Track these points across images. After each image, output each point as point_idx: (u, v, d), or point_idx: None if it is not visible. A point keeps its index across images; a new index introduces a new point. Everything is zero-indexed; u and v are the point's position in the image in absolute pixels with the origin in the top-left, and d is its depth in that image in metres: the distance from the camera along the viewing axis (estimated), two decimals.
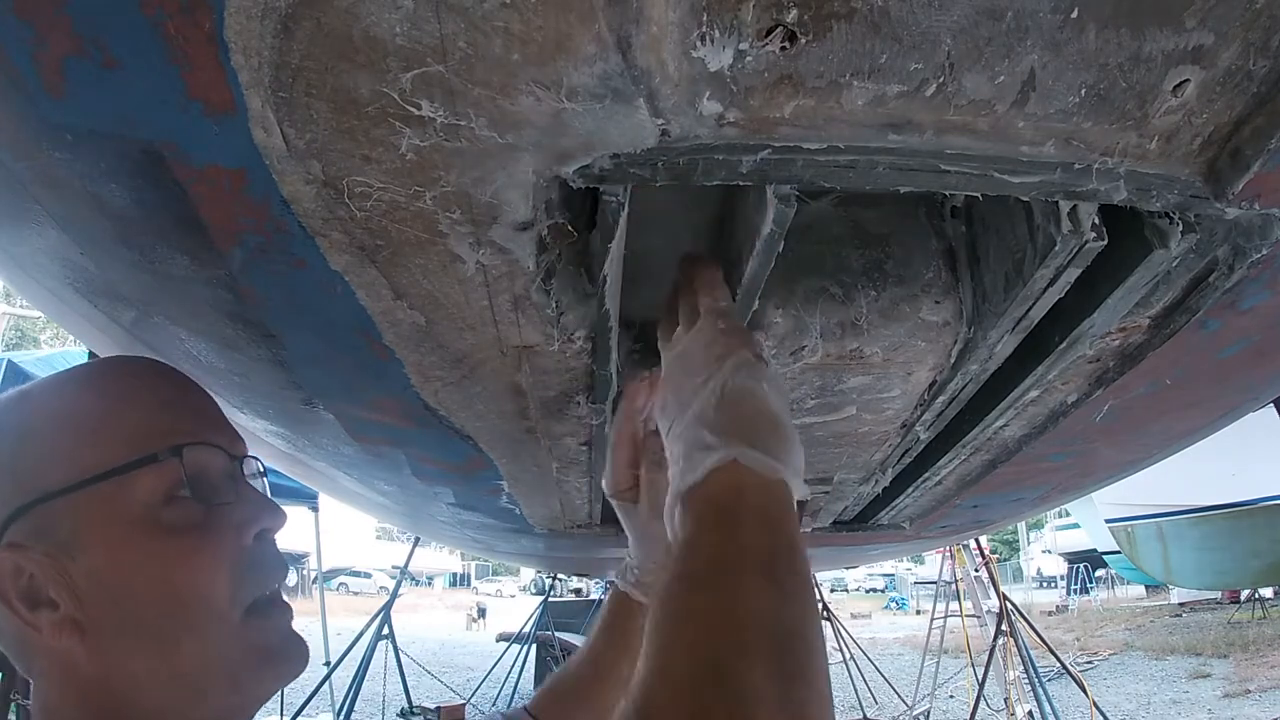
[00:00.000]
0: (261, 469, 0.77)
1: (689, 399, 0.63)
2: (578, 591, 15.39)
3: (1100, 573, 21.01)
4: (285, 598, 0.72)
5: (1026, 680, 7.34)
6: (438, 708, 7.36)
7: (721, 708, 0.43)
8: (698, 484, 0.57)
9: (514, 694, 9.76)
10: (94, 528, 0.62)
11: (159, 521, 0.63)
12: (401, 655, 7.31)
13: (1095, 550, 17.23)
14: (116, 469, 0.63)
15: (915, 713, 8.56)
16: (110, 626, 0.62)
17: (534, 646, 10.65)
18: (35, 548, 0.61)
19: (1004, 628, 7.34)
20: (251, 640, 0.65)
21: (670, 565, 0.55)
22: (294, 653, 0.70)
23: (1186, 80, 0.53)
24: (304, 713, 6.55)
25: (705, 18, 0.47)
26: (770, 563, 0.52)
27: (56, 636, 0.61)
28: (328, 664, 7.17)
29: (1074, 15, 0.48)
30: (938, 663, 9.03)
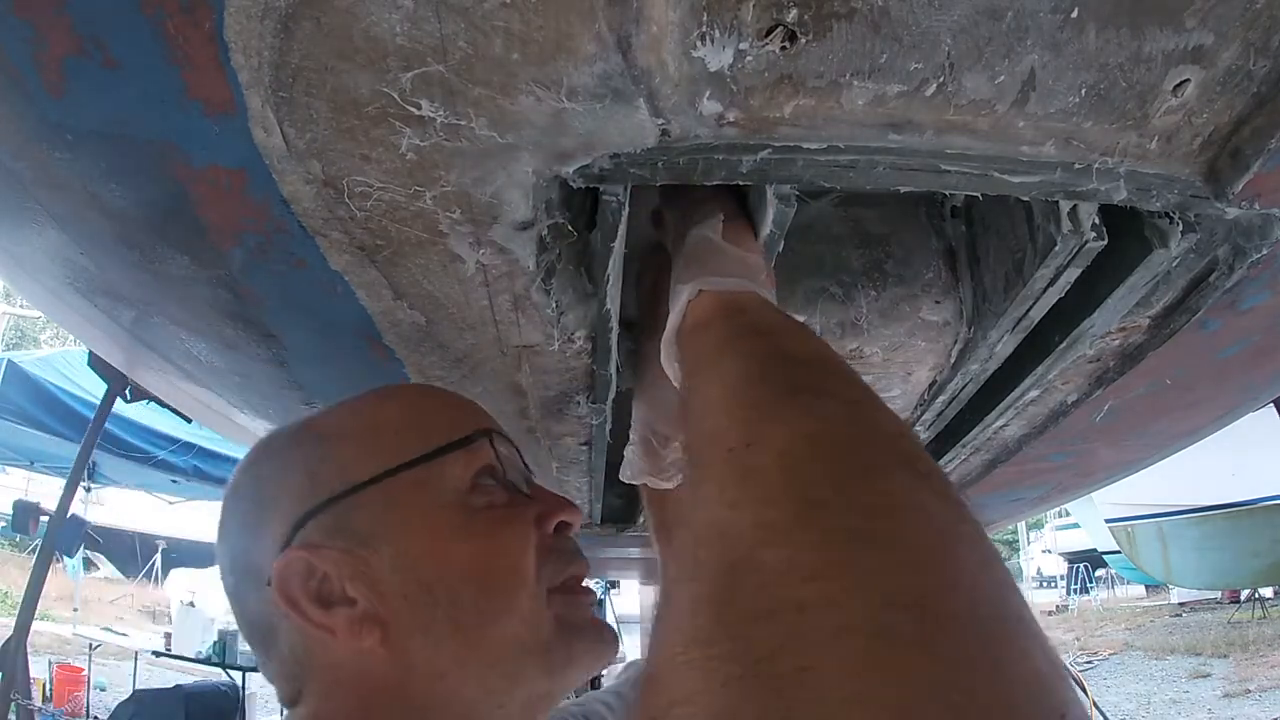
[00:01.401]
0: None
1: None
2: None
3: (1100, 573, 20.99)
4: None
5: None
6: None
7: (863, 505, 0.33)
8: (678, 326, 0.60)
9: None
10: (401, 515, 0.61)
11: (467, 505, 0.63)
12: None
13: (1095, 550, 17.21)
14: (430, 453, 0.63)
15: None
16: (416, 619, 0.59)
17: None
18: (331, 545, 0.59)
19: None
20: (562, 616, 0.63)
21: (688, 410, 0.52)
22: (605, 633, 0.67)
23: (1186, 80, 0.53)
24: None
25: (705, 17, 0.47)
26: (775, 354, 0.48)
27: (354, 636, 0.58)
28: None
29: (1074, 15, 0.48)
30: None
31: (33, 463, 7.17)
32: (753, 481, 0.37)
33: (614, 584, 7.75)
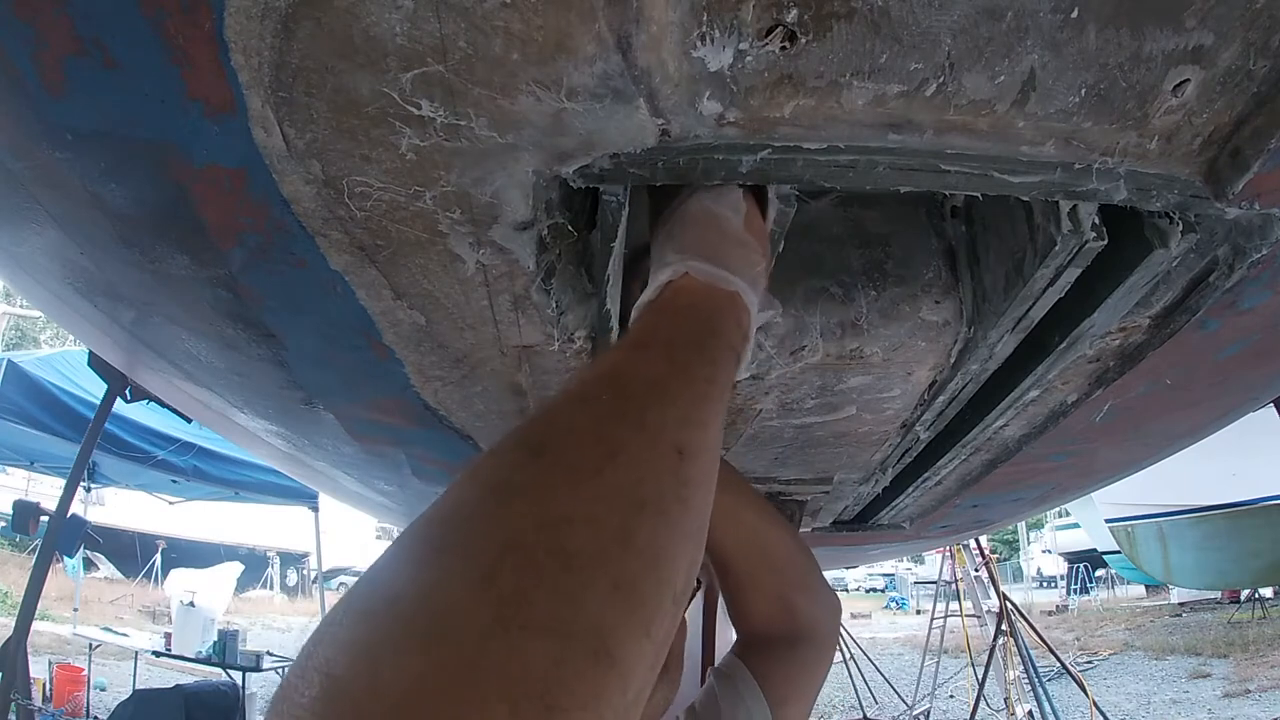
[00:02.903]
0: None
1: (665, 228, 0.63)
2: None
3: (1100, 573, 20.99)
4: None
5: (1026, 680, 7.34)
6: None
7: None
8: (652, 299, 0.57)
9: None
10: None
11: None
12: None
13: (1095, 550, 17.21)
14: None
15: (915, 713, 8.55)
16: None
17: None
18: None
19: (1004, 627, 7.34)
20: None
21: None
22: None
23: (1186, 80, 0.53)
24: None
25: (705, 17, 0.47)
26: (680, 385, 0.47)
27: None
28: None
29: (1074, 15, 0.48)
30: (938, 663, 9.02)
31: (33, 463, 7.17)
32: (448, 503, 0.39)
33: None
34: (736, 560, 1.00)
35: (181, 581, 9.99)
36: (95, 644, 7.91)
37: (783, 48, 0.49)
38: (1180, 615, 15.40)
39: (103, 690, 8.12)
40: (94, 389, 4.87)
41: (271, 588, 21.65)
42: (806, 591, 1.02)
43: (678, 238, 0.60)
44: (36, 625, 4.44)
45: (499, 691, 0.30)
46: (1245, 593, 13.65)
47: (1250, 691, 8.72)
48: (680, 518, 0.41)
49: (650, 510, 0.39)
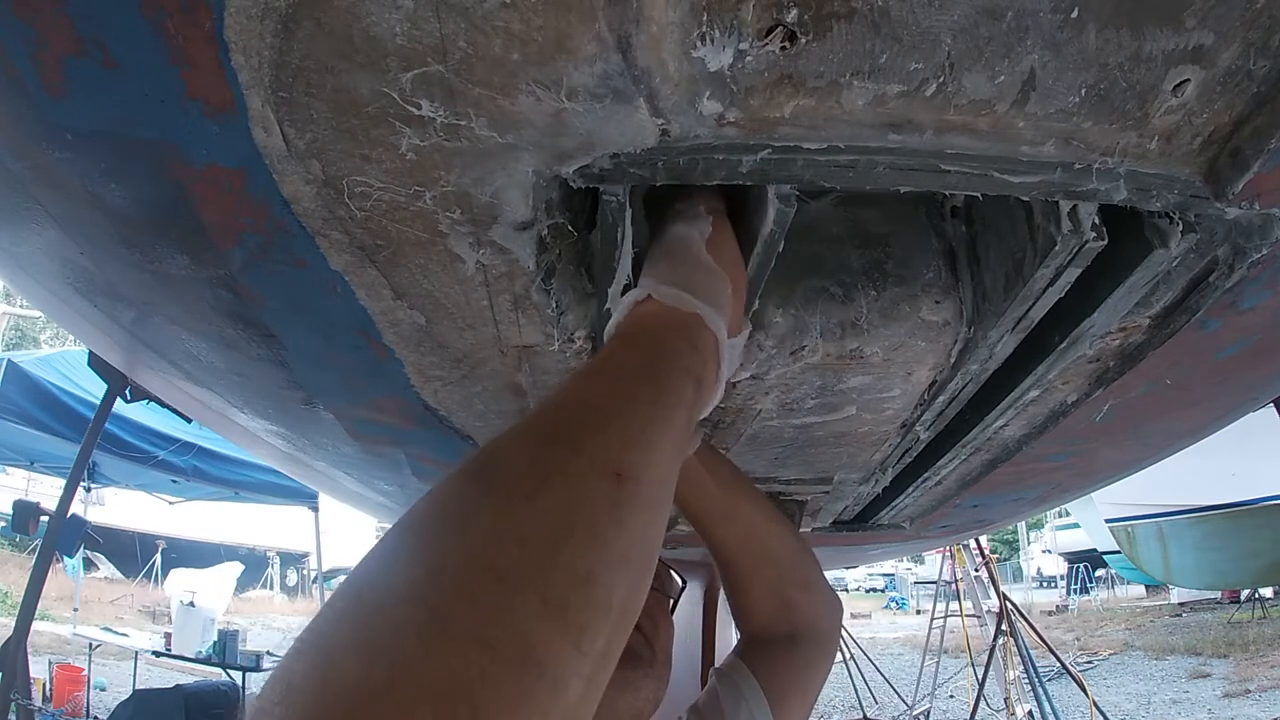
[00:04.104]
0: None
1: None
2: None
3: (1100, 573, 21.00)
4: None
5: (1026, 680, 7.34)
6: None
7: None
8: (618, 322, 0.59)
9: None
10: None
11: None
12: None
13: (1095, 550, 17.22)
14: None
15: (915, 713, 8.55)
16: None
17: None
18: None
19: (1004, 627, 7.34)
20: None
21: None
22: None
23: (1186, 80, 0.53)
24: None
25: (705, 17, 0.47)
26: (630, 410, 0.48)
27: None
28: None
29: (1074, 15, 0.48)
30: (938, 663, 9.02)
31: (33, 463, 7.18)
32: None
33: None
34: (738, 558, 1.01)
35: (181, 581, 10.00)
36: (95, 644, 7.91)
37: (783, 48, 0.49)
38: (1180, 615, 15.41)
39: (103, 690, 8.13)
40: (94, 389, 4.87)
41: (271, 588, 21.65)
42: (808, 590, 1.03)
43: (651, 264, 0.63)
44: (36, 625, 4.44)
45: (428, 695, 0.33)
46: (1245, 593, 13.65)
47: (1250, 691, 8.72)
48: (615, 539, 0.42)
49: (581, 531, 0.41)
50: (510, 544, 0.39)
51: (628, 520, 0.43)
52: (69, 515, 4.13)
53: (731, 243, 0.67)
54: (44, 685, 6.95)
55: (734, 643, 1.06)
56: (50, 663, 7.40)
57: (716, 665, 1.00)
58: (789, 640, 0.98)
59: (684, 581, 1.13)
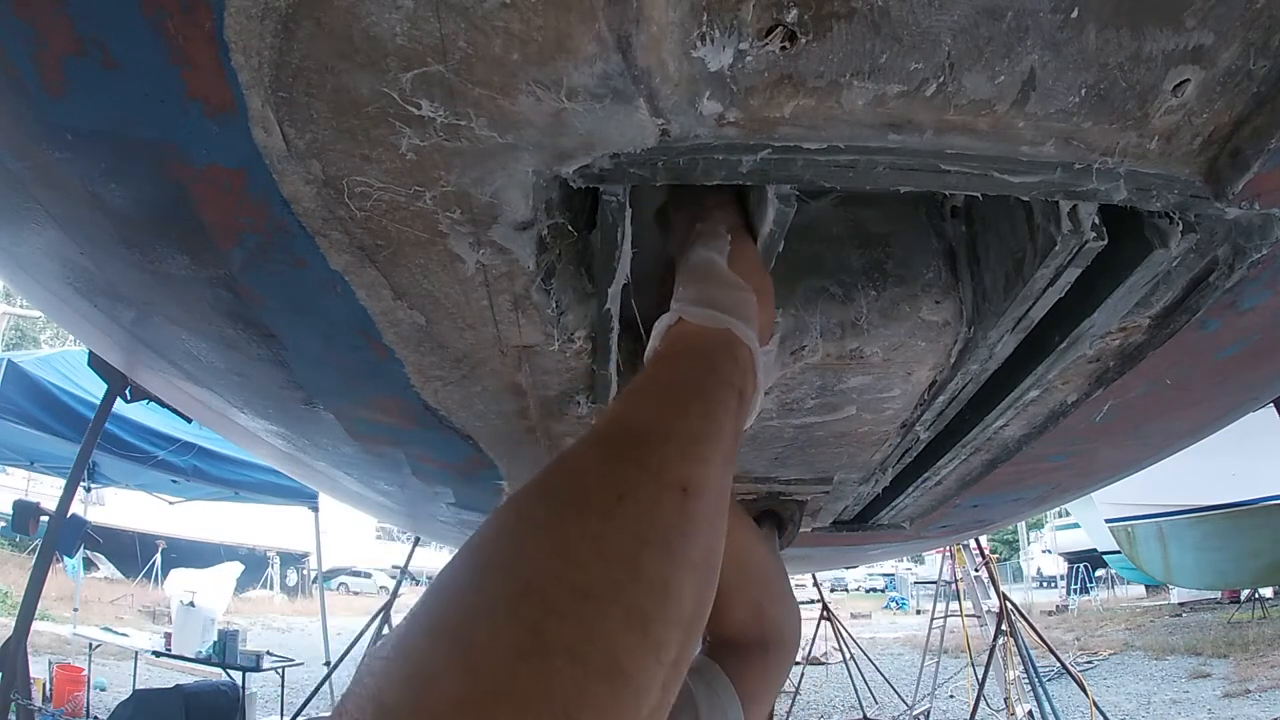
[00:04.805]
0: None
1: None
2: None
3: (1100, 573, 21.00)
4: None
5: (1026, 680, 7.34)
6: None
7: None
8: (656, 347, 0.61)
9: None
10: None
11: None
12: None
13: (1095, 550, 17.22)
14: None
15: (915, 713, 8.55)
16: None
17: None
18: None
19: (1004, 627, 7.33)
20: None
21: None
22: None
23: (1186, 80, 0.53)
24: (304, 713, 6.55)
25: (705, 18, 0.47)
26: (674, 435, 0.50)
27: None
28: (328, 664, 7.17)
29: (1074, 15, 0.48)
30: (938, 663, 9.02)
31: (33, 463, 7.18)
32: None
33: None
34: (725, 573, 1.03)
35: (181, 581, 9.99)
36: (95, 644, 7.91)
37: (783, 48, 0.49)
38: (1180, 615, 15.41)
39: (103, 690, 8.13)
40: (94, 389, 4.87)
41: (271, 588, 21.65)
42: (779, 603, 1.10)
43: (680, 288, 0.64)
44: (36, 625, 4.44)
45: (531, 709, 0.34)
46: (1245, 593, 13.65)
47: (1250, 691, 8.72)
48: (686, 551, 0.44)
49: (656, 546, 0.43)
50: (593, 561, 0.41)
51: (694, 532, 0.45)
52: (69, 515, 4.13)
53: (753, 255, 0.69)
54: (44, 685, 6.95)
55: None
56: (50, 663, 7.40)
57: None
58: (761, 646, 1.04)
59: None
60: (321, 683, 6.95)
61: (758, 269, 0.68)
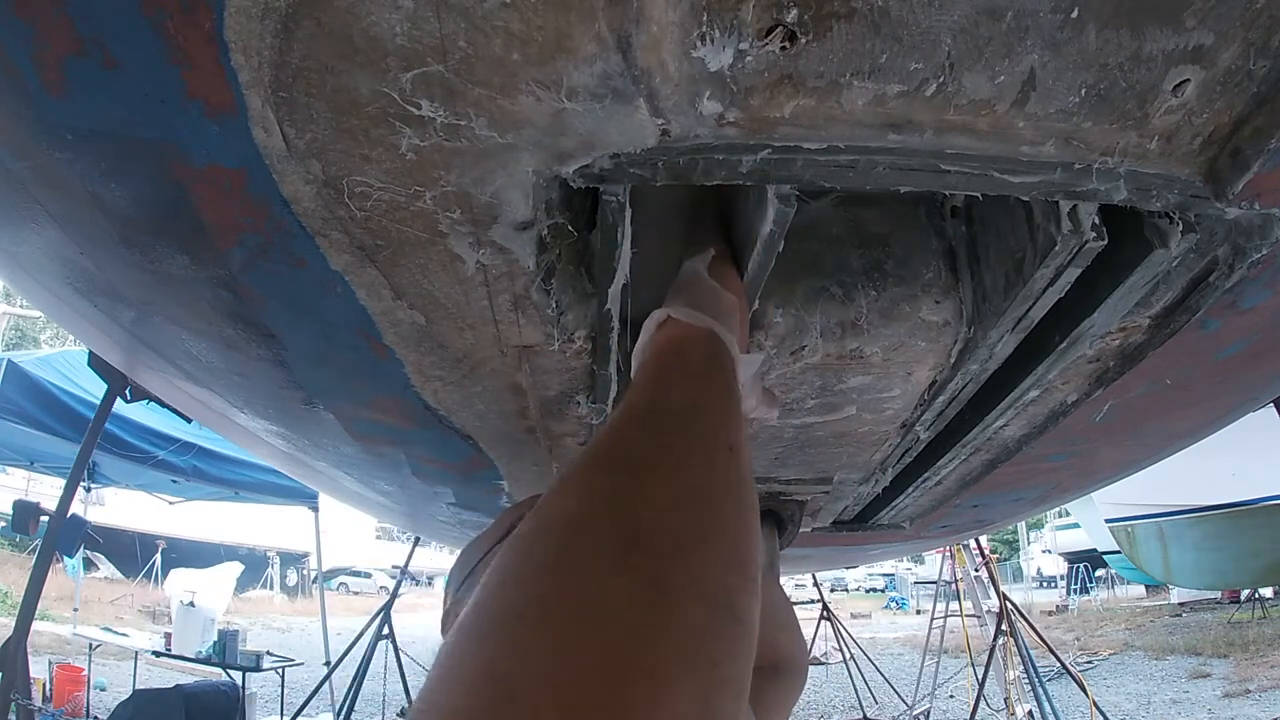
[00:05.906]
0: None
1: None
2: None
3: (1100, 573, 21.01)
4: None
5: (1026, 680, 7.34)
6: None
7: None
8: (647, 343, 0.64)
9: None
10: None
11: None
12: (402, 655, 7.30)
13: (1095, 550, 17.22)
14: None
15: (915, 713, 8.55)
16: None
17: None
18: None
19: (1004, 627, 7.33)
20: None
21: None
22: None
23: (1186, 80, 0.53)
24: (304, 713, 6.55)
25: (705, 18, 0.47)
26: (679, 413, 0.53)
27: None
28: (328, 664, 7.17)
29: (1074, 15, 0.48)
30: (938, 663, 9.02)
31: (33, 463, 7.18)
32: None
33: None
34: None
35: (181, 581, 10.00)
36: (95, 644, 7.92)
37: (783, 48, 0.49)
38: (1180, 615, 15.41)
39: (103, 690, 8.13)
40: (94, 389, 4.87)
41: (271, 588, 21.66)
42: (788, 632, 1.18)
43: (670, 295, 0.69)
44: (36, 625, 4.44)
45: (672, 654, 0.34)
46: (1245, 593, 13.65)
47: (1250, 691, 8.72)
48: (749, 501, 0.48)
49: (731, 499, 0.46)
50: (687, 509, 0.43)
51: (742, 492, 0.48)
52: (69, 515, 4.13)
53: (732, 274, 0.74)
54: (44, 685, 6.95)
55: None
56: (50, 663, 7.40)
57: None
58: (773, 671, 1.09)
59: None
60: (322, 683, 6.95)
61: (735, 285, 0.74)
